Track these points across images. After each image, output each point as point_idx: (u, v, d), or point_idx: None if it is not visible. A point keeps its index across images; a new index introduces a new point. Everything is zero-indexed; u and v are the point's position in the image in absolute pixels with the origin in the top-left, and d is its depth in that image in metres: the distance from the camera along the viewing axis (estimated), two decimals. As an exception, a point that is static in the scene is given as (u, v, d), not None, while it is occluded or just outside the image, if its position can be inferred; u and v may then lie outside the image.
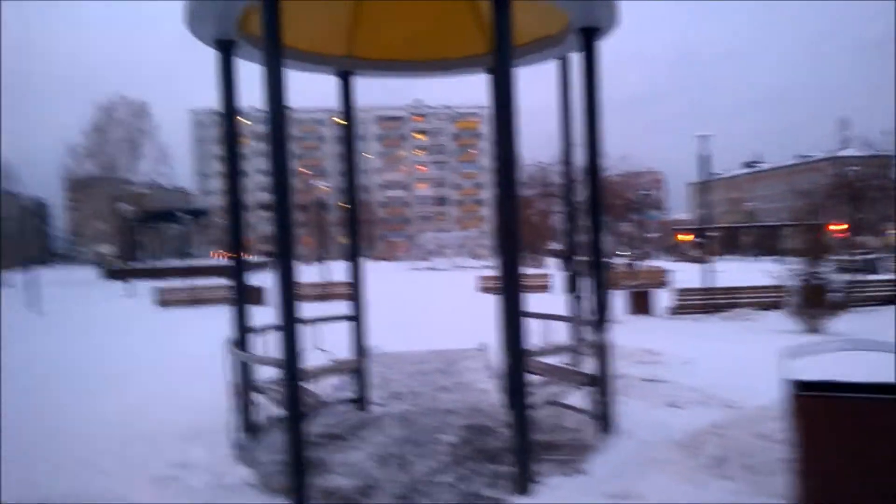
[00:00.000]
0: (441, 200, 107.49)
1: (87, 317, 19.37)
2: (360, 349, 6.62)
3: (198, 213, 61.11)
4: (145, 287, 28.05)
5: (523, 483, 4.34)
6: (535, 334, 5.35)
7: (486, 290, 23.68)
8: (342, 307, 6.82)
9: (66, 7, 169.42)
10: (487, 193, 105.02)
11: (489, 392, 7.17)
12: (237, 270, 5.51)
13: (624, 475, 4.41)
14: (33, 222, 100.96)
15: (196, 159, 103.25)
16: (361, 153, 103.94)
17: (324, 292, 22.45)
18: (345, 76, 6.74)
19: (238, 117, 5.70)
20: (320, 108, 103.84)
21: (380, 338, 10.39)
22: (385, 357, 9.40)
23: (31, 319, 19.04)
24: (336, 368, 6.03)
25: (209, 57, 5.50)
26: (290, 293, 4.34)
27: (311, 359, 5.92)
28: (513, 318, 4.44)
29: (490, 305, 10.46)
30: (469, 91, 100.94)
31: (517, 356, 4.40)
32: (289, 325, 4.34)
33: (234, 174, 5.58)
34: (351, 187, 6.85)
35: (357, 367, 6.26)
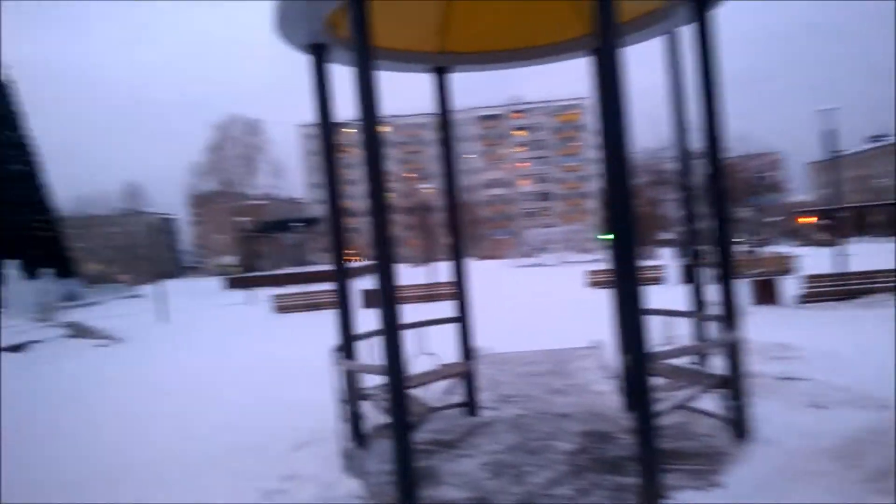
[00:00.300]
0: (544, 196, 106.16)
1: (208, 324, 20.29)
2: (467, 351, 6.37)
3: (311, 222, 63.24)
4: (264, 294, 29.17)
5: (651, 497, 3.94)
6: (653, 330, 4.91)
7: (597, 284, 22.97)
8: (448, 308, 6.61)
9: (188, 32, 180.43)
10: (592, 186, 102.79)
11: (606, 394, 6.75)
12: (340, 276, 5.40)
13: (767, 489, 3.91)
14: (162, 238, 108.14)
15: (307, 170, 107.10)
16: (462, 153, 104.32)
17: (430, 293, 22.51)
18: (440, 73, 6.52)
19: (334, 124, 5.59)
20: (423, 112, 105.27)
21: (487, 338, 10.15)
22: (494, 358, 9.13)
23: (159, 328, 20.19)
24: (443, 373, 5.82)
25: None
26: (391, 298, 4.16)
27: (418, 364, 5.76)
28: (631, 316, 4.04)
29: (601, 301, 9.99)
30: (568, 83, 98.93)
31: (638, 356, 4.00)
32: (391, 330, 4.16)
33: (332, 181, 5.47)
34: (451, 186, 6.62)
35: (465, 371, 6.02)
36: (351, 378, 5.08)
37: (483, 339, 10.05)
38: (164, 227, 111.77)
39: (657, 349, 4.48)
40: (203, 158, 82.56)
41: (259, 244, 55.18)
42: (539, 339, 10.82)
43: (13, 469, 5.71)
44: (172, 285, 53.27)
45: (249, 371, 10.16)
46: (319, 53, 5.37)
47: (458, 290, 6.56)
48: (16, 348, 15.55)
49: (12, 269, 27.73)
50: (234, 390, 8.59)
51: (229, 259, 63.69)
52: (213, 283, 50.76)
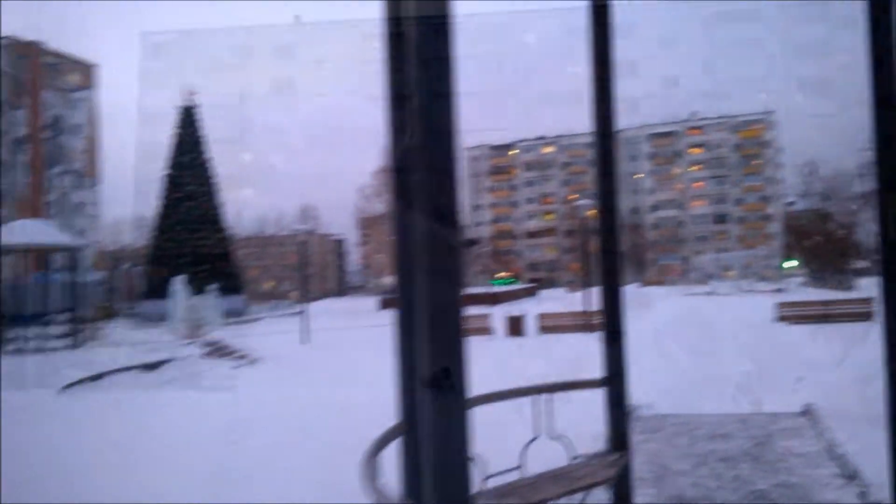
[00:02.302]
0: (720, 218, 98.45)
1: (343, 347, 19.21)
2: (620, 430, 4.08)
3: (470, 243, 62.64)
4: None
5: None
6: None
7: (790, 319, 19.22)
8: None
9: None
10: (775, 208, 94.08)
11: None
12: (402, 314, 3.41)
13: None
14: (331, 258, 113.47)
15: (471, 193, 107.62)
16: (631, 173, 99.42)
17: (587, 323, 20.08)
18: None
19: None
20: (589, 132, 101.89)
21: (651, 391, 7.80)
22: (660, 425, 6.70)
23: (297, 348, 19.59)
24: (573, 483, 3.54)
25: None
26: (452, 338, 2.09)
27: (536, 453, 3.64)
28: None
29: (802, 342, 7.43)
30: (748, 95, 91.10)
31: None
32: (456, 415, 2.11)
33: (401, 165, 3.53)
34: (606, 185, 4.53)
35: (611, 476, 3.70)
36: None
37: (645, 391, 7.69)
38: (335, 248, 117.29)
39: None
40: (371, 181, 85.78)
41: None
42: (722, 395, 8.24)
43: None
44: (334, 304, 54.53)
45: (344, 412, 8.43)
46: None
47: (609, 334, 4.35)
48: (150, 367, 15.17)
49: (179, 284, 28.67)
50: (308, 440, 6.93)
51: (390, 279, 64.63)
52: (373, 303, 51.17)
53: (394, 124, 3.02)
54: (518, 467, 3.52)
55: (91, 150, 76.37)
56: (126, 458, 7.36)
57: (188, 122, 42.23)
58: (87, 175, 75.47)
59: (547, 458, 3.74)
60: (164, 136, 42.89)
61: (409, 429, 3.17)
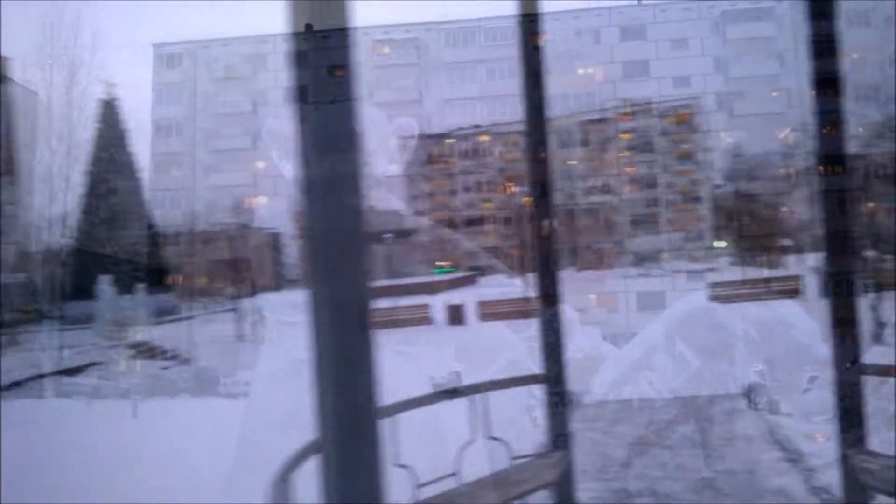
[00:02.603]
0: (652, 202, 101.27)
1: (276, 344, 18.70)
2: (560, 429, 3.86)
3: (405, 233, 62.22)
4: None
5: None
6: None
7: (723, 299, 19.62)
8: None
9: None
10: (704, 190, 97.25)
11: (798, 497, 4.11)
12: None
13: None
14: (268, 252, 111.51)
15: (407, 182, 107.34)
16: (565, 159, 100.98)
17: (526, 309, 20.12)
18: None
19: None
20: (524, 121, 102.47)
21: (590, 375, 7.75)
22: (601, 412, 6.58)
23: (230, 347, 18.99)
24: (512, 489, 3.28)
25: None
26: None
27: (470, 457, 3.40)
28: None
29: (736, 320, 7.68)
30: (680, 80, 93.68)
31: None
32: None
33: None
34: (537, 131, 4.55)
35: (553, 479, 3.46)
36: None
37: (584, 376, 7.62)
38: (270, 241, 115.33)
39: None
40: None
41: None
42: (662, 377, 8.23)
43: None
44: (270, 298, 53.49)
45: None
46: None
47: (547, 325, 4.14)
48: (73, 371, 14.41)
49: (104, 284, 27.48)
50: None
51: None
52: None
53: (300, 125, 2.83)
54: (453, 474, 3.27)
55: (8, 146, 72.64)
56: (43, 471, 6.86)
57: (109, 116, 40.39)
58: (4, 173, 71.81)
59: (485, 460, 3.51)
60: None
61: (324, 441, 2.87)
